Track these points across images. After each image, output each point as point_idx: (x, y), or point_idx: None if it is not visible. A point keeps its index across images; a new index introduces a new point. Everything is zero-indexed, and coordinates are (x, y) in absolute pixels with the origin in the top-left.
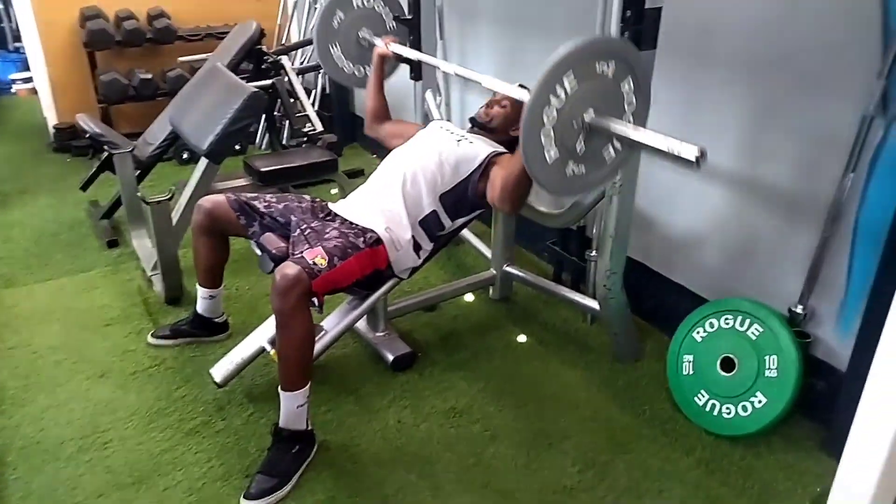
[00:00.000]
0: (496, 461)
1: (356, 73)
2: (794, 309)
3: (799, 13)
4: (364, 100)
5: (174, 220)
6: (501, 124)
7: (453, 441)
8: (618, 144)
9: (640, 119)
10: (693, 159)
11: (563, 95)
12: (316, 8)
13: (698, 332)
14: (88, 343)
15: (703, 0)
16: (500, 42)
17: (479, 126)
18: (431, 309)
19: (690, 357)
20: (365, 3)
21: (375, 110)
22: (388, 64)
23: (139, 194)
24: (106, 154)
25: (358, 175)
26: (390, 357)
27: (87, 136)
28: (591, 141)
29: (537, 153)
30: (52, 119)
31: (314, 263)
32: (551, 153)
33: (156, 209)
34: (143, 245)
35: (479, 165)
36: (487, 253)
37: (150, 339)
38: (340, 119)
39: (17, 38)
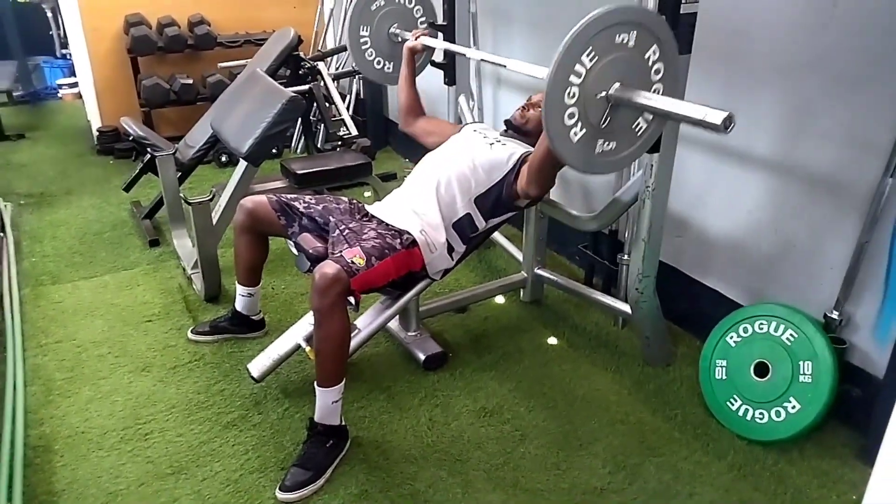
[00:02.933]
0: (526, 461)
1: (376, 63)
2: (829, 314)
3: (835, 16)
4: (397, 95)
5: (214, 221)
6: (536, 127)
7: (483, 440)
8: (648, 115)
9: (673, 85)
10: (719, 122)
11: (583, 72)
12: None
13: (732, 337)
14: (130, 338)
15: (738, 4)
16: (533, 48)
17: (514, 129)
18: (462, 310)
19: (723, 362)
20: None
21: (409, 105)
22: (419, 58)
23: (181, 195)
24: (148, 156)
25: (391, 178)
26: (422, 356)
27: (131, 138)
28: (618, 115)
29: (561, 133)
30: (95, 122)
31: (352, 262)
32: (576, 132)
33: (197, 209)
34: (184, 244)
35: (513, 168)
36: (519, 256)
37: (190, 335)
38: (374, 124)
39: (65, 45)
